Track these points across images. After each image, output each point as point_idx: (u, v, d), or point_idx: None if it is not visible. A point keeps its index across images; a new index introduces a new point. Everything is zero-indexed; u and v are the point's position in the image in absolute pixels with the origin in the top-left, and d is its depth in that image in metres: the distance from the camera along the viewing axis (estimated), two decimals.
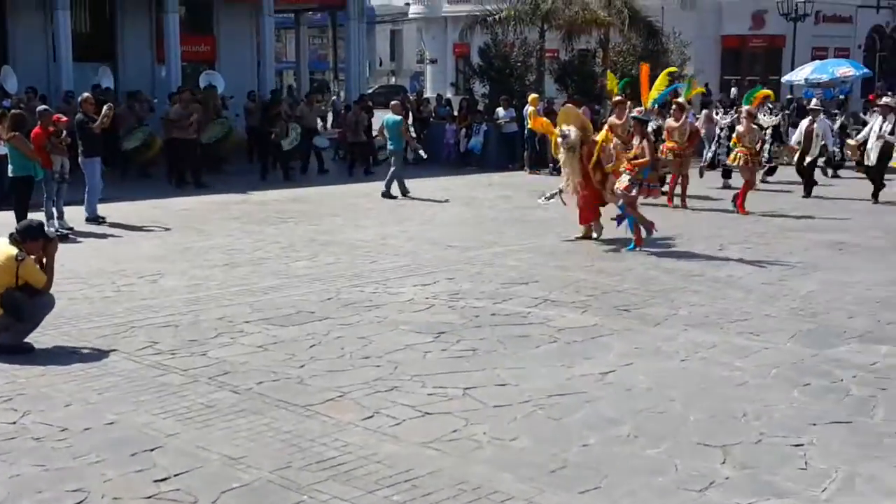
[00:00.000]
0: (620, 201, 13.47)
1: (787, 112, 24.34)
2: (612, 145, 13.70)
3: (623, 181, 13.28)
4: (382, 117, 20.72)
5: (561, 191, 14.48)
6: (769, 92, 21.75)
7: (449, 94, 39.23)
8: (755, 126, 17.89)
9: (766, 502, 5.62)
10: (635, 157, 13.29)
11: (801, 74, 29.23)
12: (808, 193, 19.16)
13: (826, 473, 6.00)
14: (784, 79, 33.53)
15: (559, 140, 13.95)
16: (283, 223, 15.98)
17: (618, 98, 17.70)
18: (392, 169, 19.40)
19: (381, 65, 74.22)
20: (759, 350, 8.61)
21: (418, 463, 6.12)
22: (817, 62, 32.22)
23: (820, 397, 7.38)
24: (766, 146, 21.62)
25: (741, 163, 17.39)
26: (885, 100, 19.55)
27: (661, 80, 16.76)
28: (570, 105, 15.83)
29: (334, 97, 37.44)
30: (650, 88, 16.50)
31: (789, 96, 31.25)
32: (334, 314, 9.82)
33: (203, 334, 9.03)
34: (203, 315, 9.75)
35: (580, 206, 14.17)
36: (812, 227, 15.48)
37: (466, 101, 28.25)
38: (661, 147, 17.97)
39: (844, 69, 28.02)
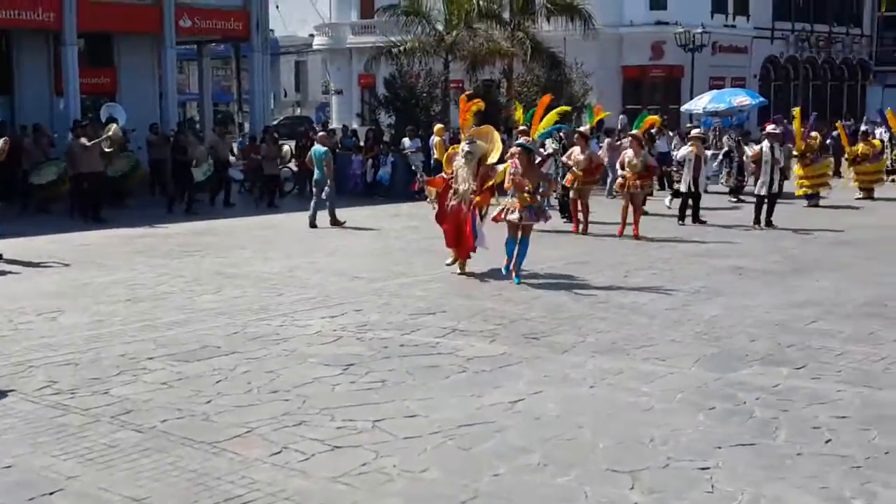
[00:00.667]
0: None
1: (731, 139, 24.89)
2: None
3: (497, 210, 13.31)
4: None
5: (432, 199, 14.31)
6: (656, 118, 22.16)
7: (355, 125, 39.22)
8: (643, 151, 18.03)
9: None
10: (526, 190, 13.05)
11: (699, 104, 29.90)
12: (682, 219, 19.46)
13: (732, 496, 6.08)
14: (683, 108, 34.26)
15: (463, 146, 13.57)
16: (188, 256, 15.73)
17: (522, 128, 17.92)
18: (323, 199, 19.62)
19: (285, 96, 73.86)
20: (664, 375, 8.72)
21: (328, 498, 6.05)
22: (715, 91, 33.01)
23: (724, 420, 7.50)
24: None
25: (629, 189, 17.53)
26: (770, 128, 19.90)
27: (552, 116, 16.62)
28: (491, 126, 15.64)
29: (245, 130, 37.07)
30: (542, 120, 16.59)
31: (689, 125, 31.95)
32: (241, 348, 9.67)
33: (104, 372, 8.81)
34: (104, 352, 9.52)
35: (448, 236, 13.83)
36: (714, 253, 15.78)
37: (373, 131, 28.26)
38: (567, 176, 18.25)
39: (741, 98, 28.73)
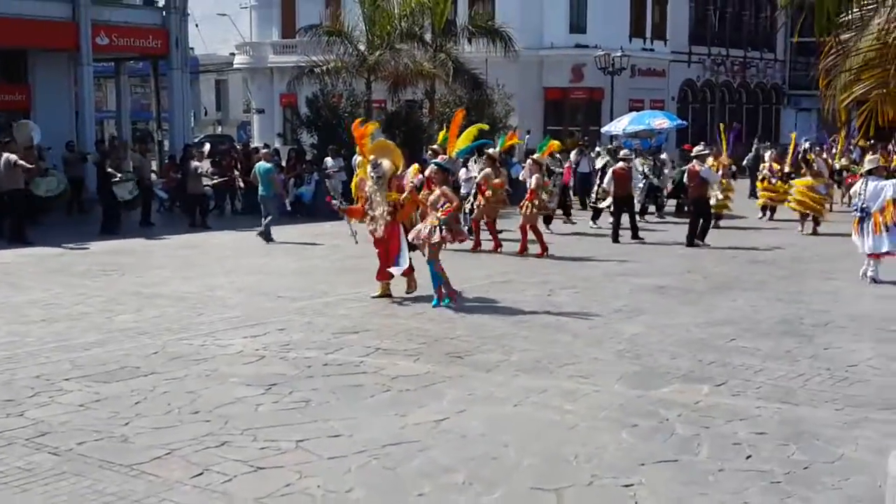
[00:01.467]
0: (427, 257, 12.98)
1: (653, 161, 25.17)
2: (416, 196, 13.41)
3: (422, 231, 12.89)
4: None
5: (355, 231, 14.09)
6: (557, 144, 22.14)
7: (277, 144, 38.95)
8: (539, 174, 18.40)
9: None
10: (433, 206, 12.92)
11: (619, 125, 30.24)
12: (616, 239, 19.87)
13: None
14: (603, 129, 34.65)
15: (369, 170, 13.18)
16: (106, 276, 15.44)
17: (434, 147, 18.21)
18: (267, 214, 19.90)
19: (206, 114, 73.11)
20: (588, 393, 8.77)
21: None
22: (634, 113, 33.40)
23: (647, 437, 7.56)
24: (597, 188, 22.56)
25: (526, 210, 17.97)
26: (697, 149, 20.47)
27: (470, 132, 16.06)
28: (385, 139, 15.59)
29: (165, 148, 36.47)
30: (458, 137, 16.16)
31: (609, 146, 32.34)
32: (160, 369, 9.50)
33: (19, 393, 8.58)
34: (19, 373, 9.27)
35: (381, 258, 13.34)
36: (635, 272, 15.95)
37: (295, 150, 28.10)
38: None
39: (660, 120, 29.08)
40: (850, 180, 25.08)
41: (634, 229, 20.18)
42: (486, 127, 17.73)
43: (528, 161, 19.41)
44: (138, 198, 22.26)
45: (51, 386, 8.85)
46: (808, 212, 21.67)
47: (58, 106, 28.62)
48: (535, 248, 17.80)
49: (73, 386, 8.85)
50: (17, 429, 7.60)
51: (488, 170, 18.54)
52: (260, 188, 20.28)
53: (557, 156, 23.30)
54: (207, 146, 28.14)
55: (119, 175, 21.35)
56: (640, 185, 23.95)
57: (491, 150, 19.30)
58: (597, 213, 22.86)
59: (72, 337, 10.89)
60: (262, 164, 20.58)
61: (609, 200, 20.62)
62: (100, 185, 22.46)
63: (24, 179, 19.92)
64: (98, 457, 6.98)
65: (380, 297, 13.35)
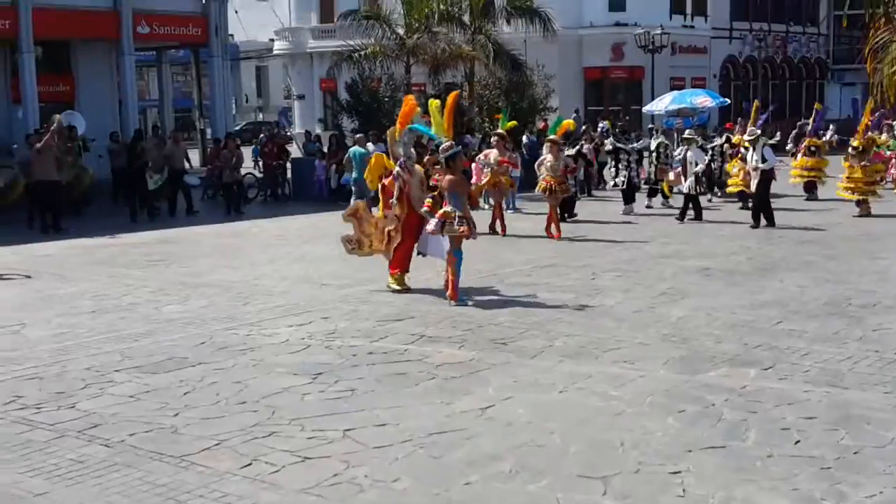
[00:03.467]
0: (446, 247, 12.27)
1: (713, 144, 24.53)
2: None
3: (430, 226, 12.18)
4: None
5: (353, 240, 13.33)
6: (571, 122, 21.22)
7: (318, 130, 39.09)
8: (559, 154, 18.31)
9: None
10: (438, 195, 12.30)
11: (660, 104, 30.04)
12: (682, 217, 19.89)
13: (703, 499, 6.10)
14: (645, 109, 34.44)
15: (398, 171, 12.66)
16: (153, 266, 15.60)
17: (500, 132, 18.41)
18: (361, 197, 19.46)
19: (247, 101, 73.59)
20: (633, 378, 8.75)
21: None
22: (675, 92, 33.19)
23: (694, 423, 7.53)
24: (652, 168, 22.26)
25: (546, 191, 17.89)
26: (687, 133, 20.84)
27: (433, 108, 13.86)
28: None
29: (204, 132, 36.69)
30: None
31: (650, 125, 32.14)
32: (208, 359, 9.60)
33: (70, 386, 8.72)
34: (70, 365, 9.41)
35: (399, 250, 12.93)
36: (679, 254, 15.86)
37: (335, 136, 28.18)
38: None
39: (702, 98, 28.87)
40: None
41: (698, 212, 20.04)
42: (514, 124, 17.18)
43: (546, 143, 19.03)
44: (165, 187, 22.50)
45: (101, 377, 8.97)
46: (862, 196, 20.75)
47: (101, 96, 28.95)
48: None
49: (124, 377, 8.97)
50: (69, 421, 7.72)
51: (550, 156, 18.15)
52: (354, 172, 20.57)
53: (632, 135, 23.57)
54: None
55: (150, 174, 21.72)
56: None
57: (553, 136, 18.91)
58: (653, 193, 22.68)
59: (121, 328, 11.03)
60: (357, 149, 21.19)
61: (691, 181, 19.88)
62: (129, 175, 22.71)
63: (55, 169, 20.11)
64: (149, 448, 7.07)
65: (402, 290, 12.89)
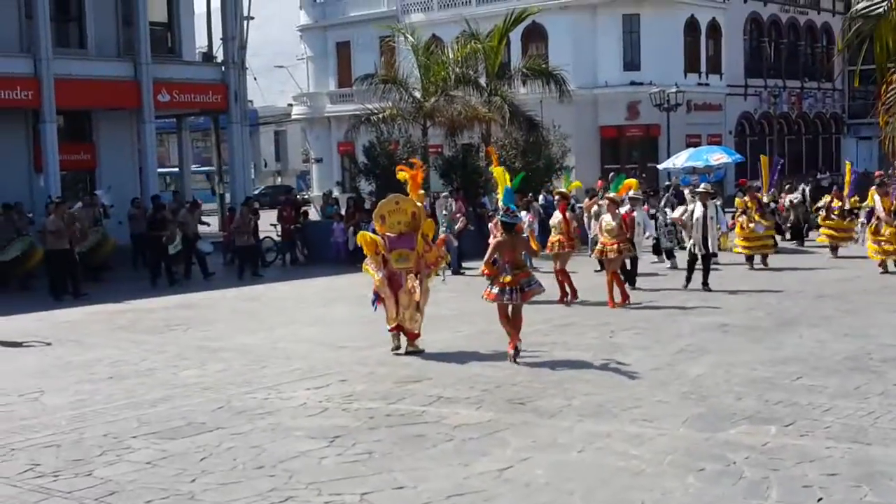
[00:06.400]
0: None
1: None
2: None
3: (489, 290, 12.37)
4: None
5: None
6: (634, 182, 20.47)
7: (336, 193, 39.32)
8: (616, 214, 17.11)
9: None
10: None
11: (677, 162, 30.13)
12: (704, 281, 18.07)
13: None
14: (661, 166, 34.52)
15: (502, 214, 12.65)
16: (171, 331, 15.65)
17: (562, 191, 18.66)
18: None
19: (266, 165, 74.16)
20: (653, 437, 8.68)
21: None
22: (692, 149, 33.29)
23: (715, 482, 7.44)
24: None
25: (602, 253, 16.93)
26: (703, 186, 19.21)
27: (500, 176, 13.58)
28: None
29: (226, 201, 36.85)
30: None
31: (667, 183, 32.22)
32: (225, 423, 9.58)
33: (87, 453, 8.71)
34: (87, 432, 9.41)
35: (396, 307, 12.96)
36: (697, 310, 15.79)
37: (353, 199, 28.34)
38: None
39: (718, 155, 28.98)
40: None
41: (706, 275, 18.21)
42: (521, 173, 16.37)
43: (605, 200, 18.24)
44: (181, 252, 22.68)
45: (119, 444, 8.96)
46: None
47: (122, 163, 29.24)
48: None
49: (141, 444, 8.96)
50: (86, 489, 7.70)
51: (608, 215, 17.18)
52: (442, 228, 20.61)
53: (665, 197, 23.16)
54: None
55: (166, 233, 21.91)
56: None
57: (611, 194, 17.98)
58: (657, 252, 22.56)
59: (139, 394, 11.04)
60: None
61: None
62: (149, 242, 22.89)
63: (69, 239, 20.33)
64: None
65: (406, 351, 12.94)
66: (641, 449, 8.32)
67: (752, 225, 21.76)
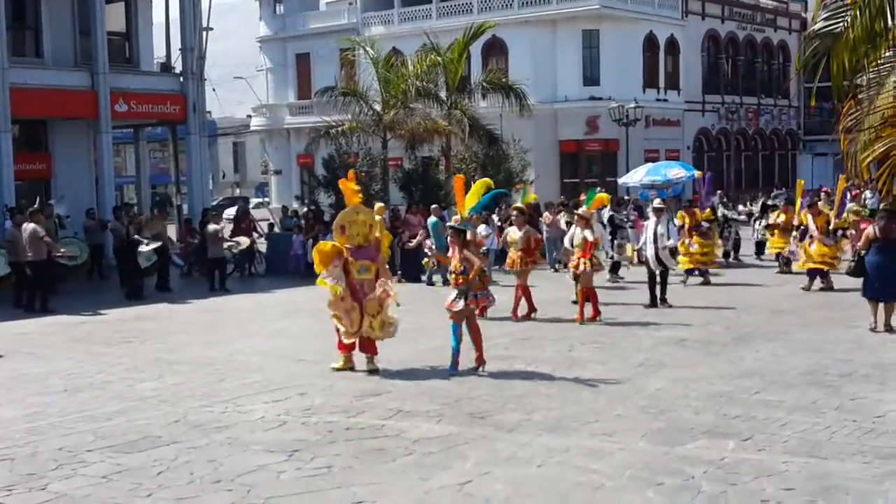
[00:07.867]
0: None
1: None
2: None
3: (449, 298, 12.51)
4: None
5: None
6: (605, 196, 20.38)
7: (294, 205, 39.19)
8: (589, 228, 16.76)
9: None
10: (455, 272, 12.49)
11: (635, 177, 30.25)
12: (663, 296, 18.24)
13: None
14: (620, 181, 34.69)
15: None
16: (127, 343, 15.47)
17: (519, 206, 18.59)
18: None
19: (224, 177, 73.82)
20: (612, 451, 8.70)
21: None
22: (650, 164, 33.45)
23: (674, 496, 7.47)
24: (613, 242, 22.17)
25: (582, 268, 16.51)
26: (656, 202, 18.88)
27: (478, 187, 14.19)
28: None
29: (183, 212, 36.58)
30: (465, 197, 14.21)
31: (626, 197, 32.42)
32: (182, 437, 9.48)
33: (42, 467, 8.58)
34: (42, 446, 9.28)
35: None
36: (655, 325, 15.87)
37: (312, 211, 28.25)
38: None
39: (676, 171, 29.09)
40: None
41: (663, 290, 18.32)
42: (489, 181, 16.43)
43: (575, 216, 17.90)
44: (155, 264, 22.45)
45: (74, 458, 8.84)
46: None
47: (78, 173, 28.90)
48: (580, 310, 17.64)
49: (96, 457, 8.85)
50: (41, 503, 7.58)
51: (514, 228, 17.57)
52: (432, 241, 20.64)
53: (626, 211, 23.26)
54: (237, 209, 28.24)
55: (146, 240, 21.52)
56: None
57: (519, 204, 19.00)
58: (614, 268, 22.57)
59: (94, 407, 10.90)
60: (432, 219, 21.21)
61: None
62: (121, 252, 22.51)
63: (47, 250, 19.98)
64: None
65: (343, 368, 12.75)
66: (601, 463, 8.34)
67: (686, 241, 22.02)
